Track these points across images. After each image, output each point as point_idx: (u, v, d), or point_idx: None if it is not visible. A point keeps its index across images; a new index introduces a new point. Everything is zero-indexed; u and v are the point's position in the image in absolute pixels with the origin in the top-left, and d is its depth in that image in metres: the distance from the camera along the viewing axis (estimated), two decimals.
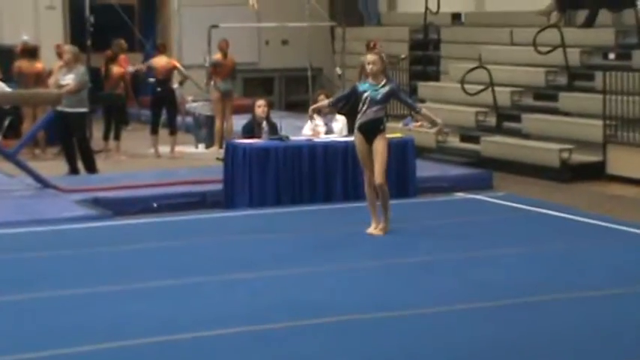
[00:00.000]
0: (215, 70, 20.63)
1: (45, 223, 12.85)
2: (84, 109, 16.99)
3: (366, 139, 11.94)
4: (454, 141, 19.48)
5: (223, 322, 8.65)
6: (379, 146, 11.88)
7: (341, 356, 7.76)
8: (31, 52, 20.57)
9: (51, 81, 17.41)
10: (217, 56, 20.62)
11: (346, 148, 14.38)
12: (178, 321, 8.73)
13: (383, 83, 11.93)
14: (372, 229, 12.11)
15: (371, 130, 11.92)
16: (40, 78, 19.36)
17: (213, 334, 8.34)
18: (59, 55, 19.83)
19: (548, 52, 18.61)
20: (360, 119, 11.98)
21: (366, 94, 11.87)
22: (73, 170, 17.00)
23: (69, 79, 16.70)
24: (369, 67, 12.02)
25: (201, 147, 20.78)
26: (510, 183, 16.04)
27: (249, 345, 8.13)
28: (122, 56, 20.46)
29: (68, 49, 18.00)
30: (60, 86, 16.64)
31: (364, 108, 11.91)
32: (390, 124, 19.62)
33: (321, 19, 25.27)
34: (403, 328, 8.51)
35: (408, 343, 8.06)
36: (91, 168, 17.06)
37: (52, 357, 7.81)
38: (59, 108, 16.46)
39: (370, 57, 12.11)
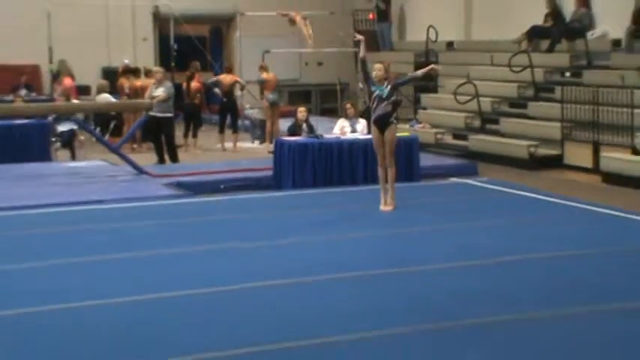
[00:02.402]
0: (263, 85, 20.75)
1: (141, 200, 12.95)
2: (170, 114, 17.09)
3: (379, 130, 12.01)
4: (448, 139, 19.50)
5: (274, 275, 8.76)
6: (389, 136, 11.99)
7: (359, 303, 7.84)
8: (133, 72, 20.73)
9: (146, 94, 17.50)
10: (263, 75, 20.70)
11: (366, 144, 14.39)
12: (242, 273, 8.84)
13: (386, 84, 11.94)
14: (383, 206, 12.12)
15: (383, 122, 11.99)
16: (140, 92, 19.46)
17: (267, 284, 8.45)
18: (146, 74, 19.95)
19: (520, 71, 18.63)
20: (374, 115, 12.06)
21: (375, 94, 11.94)
22: (161, 160, 17.12)
23: (159, 92, 16.81)
24: (374, 73, 12.07)
25: (257, 143, 20.85)
26: (491, 171, 15.99)
27: (293, 292, 8.26)
28: (196, 74, 20.52)
29: (158, 69, 18.13)
30: (152, 97, 16.76)
31: (375, 105, 11.99)
32: (399, 126, 19.70)
33: (347, 46, 25.32)
34: (409, 280, 8.59)
35: (413, 293, 8.14)
36: (175, 159, 17.17)
37: (159, 300, 7.97)
38: (151, 113, 16.60)
39: (377, 65, 12.12)
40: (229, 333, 7.07)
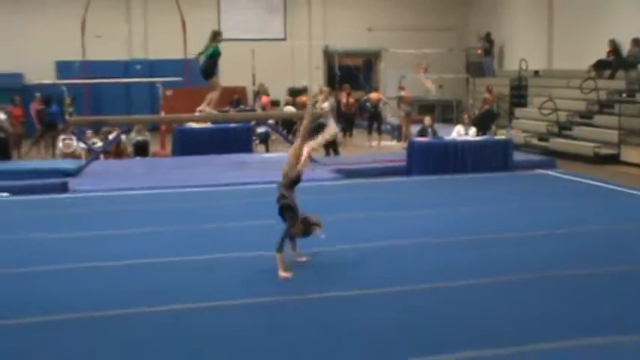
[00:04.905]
0: (400, 99, 20.73)
1: (313, 181, 12.91)
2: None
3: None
4: (534, 141, 18.97)
5: (394, 238, 8.64)
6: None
7: (451, 260, 7.72)
8: (300, 91, 21.01)
9: (317, 106, 17.63)
10: (401, 93, 20.69)
11: (474, 145, 14.21)
12: (373, 235, 8.76)
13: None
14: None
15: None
16: (305, 105, 19.43)
17: (384, 245, 8.40)
18: (320, 91, 20.11)
19: (589, 92, 18.07)
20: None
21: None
22: (327, 153, 17.18)
23: (325, 105, 16.91)
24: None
25: (395, 142, 20.78)
26: (566, 164, 15.50)
27: (417, 251, 8.18)
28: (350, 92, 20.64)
29: (325, 88, 18.31)
30: (321, 109, 16.88)
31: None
32: (501, 131, 19.32)
33: (461, 73, 25.01)
34: (494, 245, 8.36)
35: (497, 254, 7.95)
36: (337, 152, 17.24)
37: (326, 252, 7.91)
38: (321, 120, 16.69)
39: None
40: (367, 278, 7.11)
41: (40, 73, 22.69)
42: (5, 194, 12.04)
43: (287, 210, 7.10)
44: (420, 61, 23.71)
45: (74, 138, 16.52)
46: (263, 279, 7.03)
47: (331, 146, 17.22)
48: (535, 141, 19.02)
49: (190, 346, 5.48)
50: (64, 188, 12.42)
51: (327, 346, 5.44)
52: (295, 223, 7.08)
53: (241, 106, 22.67)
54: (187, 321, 6.00)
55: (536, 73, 22.69)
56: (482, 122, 19.42)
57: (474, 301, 6.39)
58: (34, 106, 18.65)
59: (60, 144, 16.71)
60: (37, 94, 18.87)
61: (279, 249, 6.99)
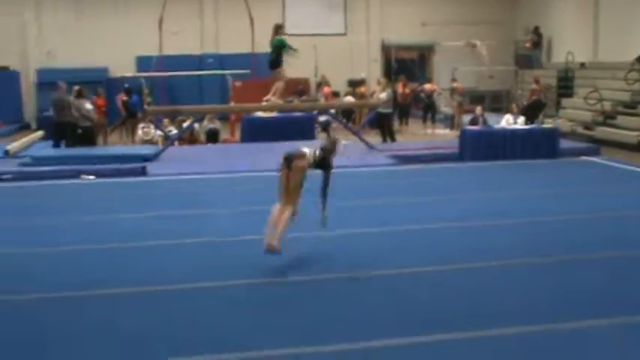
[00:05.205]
0: (453, 90, 20.49)
1: (370, 166, 13.04)
2: (390, 110, 17.09)
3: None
4: (580, 129, 18.57)
5: (441, 221, 8.54)
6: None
7: (498, 240, 7.63)
8: (358, 83, 20.91)
9: (375, 96, 17.58)
10: (454, 84, 20.44)
11: (523, 133, 13.98)
12: (422, 218, 8.75)
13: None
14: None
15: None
16: (364, 95, 19.45)
17: (431, 227, 8.35)
18: (378, 83, 20.04)
19: (632, 83, 17.63)
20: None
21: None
22: (384, 140, 17.10)
23: (383, 95, 16.79)
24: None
25: (448, 130, 20.55)
26: (610, 152, 15.16)
27: (460, 233, 8.10)
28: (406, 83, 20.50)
29: (382, 80, 18.18)
30: (379, 99, 16.81)
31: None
32: (548, 120, 18.98)
33: (510, 65, 24.59)
34: (538, 226, 8.26)
35: (534, 238, 7.84)
36: (393, 139, 17.13)
37: (380, 232, 7.92)
38: (378, 110, 16.63)
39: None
40: (404, 257, 7.09)
41: (122, 66, 23.18)
42: (91, 177, 12.36)
43: (328, 160, 7.12)
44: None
45: (152, 126, 16.82)
46: (320, 257, 7.10)
47: (388, 134, 17.14)
48: (581, 130, 18.64)
49: (247, 315, 5.59)
50: (143, 172, 12.69)
51: (362, 319, 5.52)
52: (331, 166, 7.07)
53: (304, 97, 22.75)
54: (247, 294, 6.12)
55: (582, 65, 22.19)
56: (531, 111, 19.10)
57: (510, 280, 6.35)
58: (121, 97, 19.05)
59: (139, 131, 17.04)
60: (124, 86, 19.27)
61: (325, 194, 7.00)
